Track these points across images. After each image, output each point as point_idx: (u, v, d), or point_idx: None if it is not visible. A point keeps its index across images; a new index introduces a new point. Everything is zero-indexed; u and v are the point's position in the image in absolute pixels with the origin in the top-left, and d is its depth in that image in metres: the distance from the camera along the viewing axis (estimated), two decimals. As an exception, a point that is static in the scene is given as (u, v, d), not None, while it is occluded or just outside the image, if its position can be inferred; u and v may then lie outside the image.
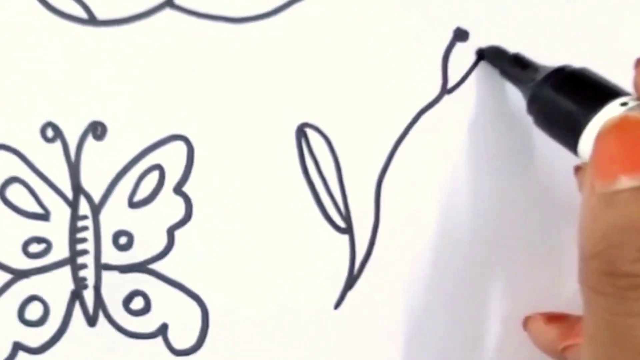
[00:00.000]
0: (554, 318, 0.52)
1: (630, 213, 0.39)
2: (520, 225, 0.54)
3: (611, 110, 0.43)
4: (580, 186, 0.49)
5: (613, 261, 0.39)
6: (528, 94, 0.49)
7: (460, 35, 0.54)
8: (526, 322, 0.53)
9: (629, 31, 0.55)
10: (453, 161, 0.54)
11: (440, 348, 0.54)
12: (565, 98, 0.46)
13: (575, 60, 0.49)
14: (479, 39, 0.54)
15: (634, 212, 0.39)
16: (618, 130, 0.41)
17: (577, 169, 0.50)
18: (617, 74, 0.46)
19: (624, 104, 0.43)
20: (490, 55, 0.53)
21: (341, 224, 0.53)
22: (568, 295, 0.54)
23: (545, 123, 0.48)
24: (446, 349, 0.54)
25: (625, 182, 0.39)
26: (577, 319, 0.50)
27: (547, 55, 0.51)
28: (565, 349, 0.50)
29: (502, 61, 0.52)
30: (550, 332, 0.52)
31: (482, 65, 0.54)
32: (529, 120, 0.50)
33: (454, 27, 0.54)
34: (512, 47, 0.53)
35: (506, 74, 0.52)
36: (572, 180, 0.51)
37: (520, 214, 0.55)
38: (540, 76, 0.48)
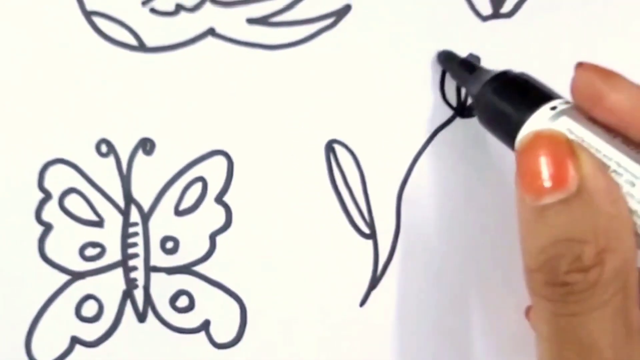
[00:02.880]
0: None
1: (559, 226, 0.37)
2: None
3: (542, 114, 0.41)
4: None
5: (552, 272, 0.37)
6: (473, 93, 0.46)
7: (473, 60, 0.51)
8: (528, 310, 0.50)
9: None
10: (466, 174, 0.52)
11: (456, 341, 0.52)
12: (503, 101, 0.43)
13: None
14: (489, 64, 0.50)
15: (562, 225, 0.37)
16: (534, 146, 0.39)
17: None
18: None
19: (553, 108, 0.41)
20: (442, 59, 0.50)
21: (366, 230, 0.51)
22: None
23: (487, 123, 0.45)
24: (461, 342, 0.52)
25: (549, 197, 0.37)
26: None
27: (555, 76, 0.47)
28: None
29: (452, 64, 0.49)
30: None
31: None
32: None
33: (467, 53, 0.51)
34: (517, 69, 0.48)
35: (456, 76, 0.49)
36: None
37: None
38: (484, 78, 0.45)
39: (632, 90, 0.40)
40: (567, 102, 0.41)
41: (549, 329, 0.39)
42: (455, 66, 0.49)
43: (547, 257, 0.37)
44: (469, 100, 0.51)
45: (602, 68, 0.41)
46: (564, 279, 0.37)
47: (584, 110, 0.40)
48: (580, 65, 0.41)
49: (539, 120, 0.41)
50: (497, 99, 0.44)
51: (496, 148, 0.49)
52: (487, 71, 0.46)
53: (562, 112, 0.40)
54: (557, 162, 0.37)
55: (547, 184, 0.37)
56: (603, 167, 0.38)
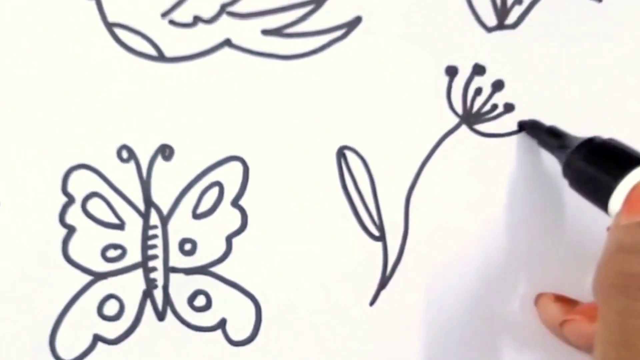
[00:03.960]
0: (561, 298, 0.49)
1: None
2: (532, 238, 0.51)
3: (635, 175, 0.41)
4: None
5: (630, 263, 0.37)
6: (563, 160, 0.46)
7: (478, 70, 0.51)
8: (537, 298, 0.50)
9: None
10: (471, 178, 0.51)
11: (461, 338, 0.50)
12: (595, 166, 0.44)
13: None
14: (494, 73, 0.51)
15: None
16: None
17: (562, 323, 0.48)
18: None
19: None
20: (529, 127, 0.51)
21: (375, 232, 0.50)
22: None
23: (578, 186, 0.45)
24: (468, 339, 0.51)
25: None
26: (580, 303, 0.48)
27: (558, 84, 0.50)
28: (563, 322, 0.47)
29: (539, 132, 0.50)
30: (555, 308, 0.49)
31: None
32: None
33: (472, 63, 0.51)
34: (522, 81, 0.51)
35: (543, 143, 0.49)
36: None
37: (528, 229, 0.52)
38: (572, 145, 0.46)
39: None
40: None
41: (614, 334, 0.38)
42: (543, 134, 0.49)
43: (625, 252, 0.38)
44: (475, 108, 0.51)
45: None
46: (638, 269, 0.37)
47: None
48: None
49: (633, 182, 0.41)
50: (589, 164, 0.44)
51: (499, 154, 0.51)
52: (574, 138, 0.47)
53: None
54: None
55: None
56: None
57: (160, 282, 0.48)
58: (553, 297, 0.49)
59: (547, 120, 0.50)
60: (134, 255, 0.48)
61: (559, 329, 0.48)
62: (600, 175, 0.43)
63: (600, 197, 0.43)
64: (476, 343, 0.50)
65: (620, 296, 0.37)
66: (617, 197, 0.41)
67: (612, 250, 0.38)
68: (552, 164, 0.50)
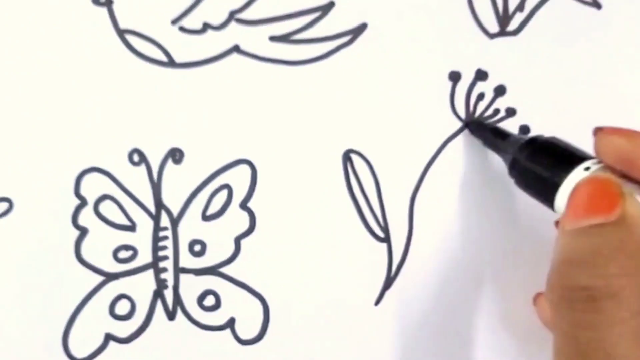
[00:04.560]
0: None
1: (591, 243, 0.37)
2: (534, 239, 0.51)
3: (577, 175, 0.41)
4: None
5: (576, 277, 0.36)
6: (508, 160, 0.46)
7: (481, 75, 0.51)
8: (536, 297, 0.49)
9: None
10: (474, 181, 0.51)
11: (464, 338, 0.50)
12: (539, 165, 0.44)
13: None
14: (496, 79, 0.51)
15: (594, 243, 0.37)
16: (585, 187, 0.39)
17: (557, 223, 0.46)
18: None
19: (587, 169, 0.41)
20: (473, 128, 0.50)
21: (380, 234, 0.50)
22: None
23: (524, 185, 0.45)
24: (470, 339, 0.50)
25: (584, 221, 0.37)
26: None
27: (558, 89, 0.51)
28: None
29: (484, 132, 0.49)
30: None
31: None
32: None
33: (475, 69, 0.51)
34: (523, 86, 0.52)
35: (489, 143, 0.49)
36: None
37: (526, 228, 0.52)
38: (516, 144, 0.46)
39: None
40: (598, 162, 0.41)
41: (567, 345, 0.37)
42: (487, 134, 0.49)
43: (572, 265, 0.37)
44: (477, 113, 0.51)
45: (624, 130, 0.41)
46: (585, 282, 0.36)
47: (616, 170, 0.40)
48: (600, 130, 0.41)
49: (575, 181, 0.41)
50: (532, 164, 0.44)
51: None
52: (518, 137, 0.46)
53: (596, 172, 0.41)
54: (605, 195, 0.37)
55: (588, 212, 0.38)
56: None
57: (170, 283, 0.48)
58: None
59: (548, 125, 0.49)
60: (144, 256, 0.48)
61: None
62: (544, 174, 0.43)
63: (546, 196, 0.42)
64: (479, 342, 0.50)
65: (569, 309, 0.37)
66: (562, 196, 0.41)
67: (558, 261, 0.38)
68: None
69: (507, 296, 0.50)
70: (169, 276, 0.48)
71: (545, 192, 0.42)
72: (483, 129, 0.49)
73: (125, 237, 0.48)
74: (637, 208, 0.37)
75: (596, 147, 0.41)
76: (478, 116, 0.51)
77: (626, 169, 0.40)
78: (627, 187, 0.38)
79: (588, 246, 0.37)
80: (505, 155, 0.47)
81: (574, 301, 0.36)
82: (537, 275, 0.48)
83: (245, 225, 0.49)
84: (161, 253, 0.48)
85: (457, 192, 0.50)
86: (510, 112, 0.51)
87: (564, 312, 0.37)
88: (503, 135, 0.48)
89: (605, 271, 0.35)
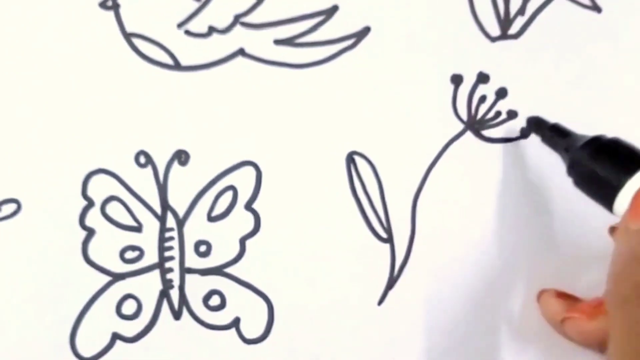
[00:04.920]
0: (563, 295, 0.48)
1: None
2: (536, 240, 0.51)
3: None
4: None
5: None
6: (568, 159, 0.45)
7: (483, 78, 0.51)
8: (539, 294, 0.49)
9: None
10: (475, 182, 0.51)
11: (465, 337, 0.50)
12: (601, 164, 0.43)
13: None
14: (498, 81, 0.51)
15: None
16: None
17: (612, 229, 0.46)
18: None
19: None
20: (533, 124, 0.50)
21: (383, 234, 0.50)
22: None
23: (583, 185, 0.44)
24: (470, 338, 0.50)
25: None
26: (581, 300, 0.47)
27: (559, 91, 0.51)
28: (564, 320, 0.46)
29: (543, 129, 0.48)
30: (556, 304, 0.48)
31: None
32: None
33: (477, 72, 0.51)
34: (524, 89, 0.51)
35: (547, 140, 0.48)
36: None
37: (525, 224, 0.51)
38: (577, 143, 0.45)
39: None
40: None
41: (627, 343, 0.37)
42: (547, 132, 0.48)
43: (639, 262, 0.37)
44: (479, 115, 0.51)
45: None
46: None
47: None
48: None
49: (638, 186, 0.40)
50: (596, 162, 0.43)
51: (503, 159, 0.51)
52: (578, 136, 0.45)
53: None
54: None
55: None
56: None
57: (176, 283, 0.48)
58: (555, 293, 0.48)
59: (549, 126, 0.50)
60: (151, 256, 0.48)
61: (560, 325, 0.47)
62: (606, 174, 0.42)
63: (606, 197, 0.42)
64: (480, 342, 0.50)
65: (631, 307, 0.36)
66: (623, 197, 0.41)
67: (625, 259, 0.38)
68: (554, 166, 0.49)
69: (509, 295, 0.50)
70: (174, 276, 0.48)
71: (605, 193, 0.42)
72: (542, 126, 0.49)
73: (132, 238, 0.48)
74: None
75: None
76: (480, 118, 0.51)
77: None
78: None
79: None
80: (564, 153, 0.46)
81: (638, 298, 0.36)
82: (539, 275, 0.50)
83: (250, 226, 0.49)
84: (167, 253, 0.48)
85: (459, 193, 0.50)
86: (512, 115, 0.51)
87: (632, 310, 0.37)
88: (563, 133, 0.47)
89: None
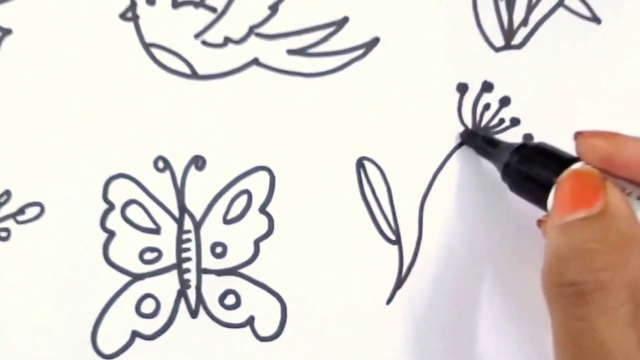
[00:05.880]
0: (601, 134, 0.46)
1: (577, 237, 0.37)
2: (536, 235, 0.50)
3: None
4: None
5: (564, 273, 0.37)
6: (500, 166, 0.46)
7: (487, 87, 0.51)
8: (539, 222, 0.48)
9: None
10: (480, 187, 0.51)
11: (472, 337, 0.50)
12: (531, 167, 0.43)
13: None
14: (502, 90, 0.51)
15: (580, 237, 0.37)
16: (570, 178, 0.40)
17: (539, 222, 0.47)
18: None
19: None
20: (466, 138, 0.50)
21: (392, 236, 0.50)
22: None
23: (517, 189, 0.45)
24: (477, 338, 0.50)
25: (569, 216, 0.38)
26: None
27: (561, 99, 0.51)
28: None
29: (476, 141, 0.49)
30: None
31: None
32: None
33: (482, 81, 0.51)
34: (527, 97, 0.51)
35: (481, 151, 0.49)
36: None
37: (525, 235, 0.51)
38: (507, 151, 0.45)
39: (637, 145, 0.40)
40: (585, 164, 0.41)
41: (563, 335, 0.37)
42: (479, 142, 0.49)
43: (560, 261, 0.37)
44: (483, 122, 0.51)
45: (603, 132, 0.41)
46: (573, 278, 0.36)
47: (601, 171, 0.40)
48: (580, 134, 0.42)
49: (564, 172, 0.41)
50: (524, 168, 0.44)
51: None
52: (509, 144, 0.46)
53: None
54: (588, 189, 0.38)
55: (574, 206, 0.38)
56: (626, 199, 0.38)
57: (193, 283, 0.48)
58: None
59: (551, 133, 0.49)
60: (169, 257, 0.48)
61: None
62: (537, 176, 0.43)
63: (540, 197, 0.42)
64: (486, 340, 0.50)
65: (560, 303, 0.37)
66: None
67: (549, 257, 0.38)
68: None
69: (512, 295, 0.50)
70: (192, 276, 0.48)
71: (538, 195, 0.42)
72: (475, 138, 0.49)
73: (151, 240, 0.48)
74: (620, 198, 0.38)
75: (578, 150, 0.42)
76: (484, 125, 0.51)
77: (609, 169, 0.40)
78: (611, 181, 0.39)
79: (574, 241, 0.37)
80: (497, 162, 0.47)
81: (564, 296, 0.36)
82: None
83: (264, 228, 0.49)
84: (184, 255, 0.48)
85: (464, 197, 0.50)
86: (515, 122, 0.51)
87: (557, 305, 0.37)
88: (494, 143, 0.48)
89: (591, 266, 0.36)
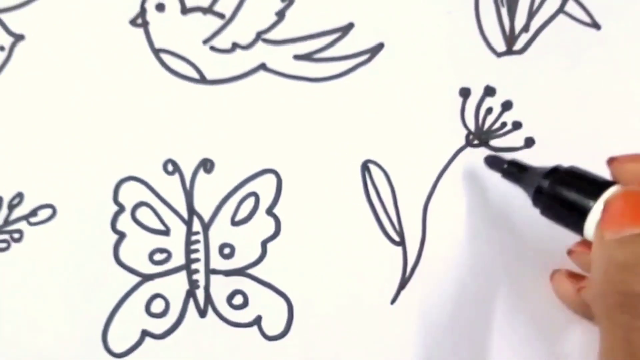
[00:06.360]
0: (573, 275, 0.48)
1: (635, 252, 0.37)
2: (540, 242, 0.51)
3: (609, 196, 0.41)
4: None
5: (629, 283, 0.37)
6: (531, 191, 0.45)
7: (489, 91, 0.51)
8: (552, 275, 0.49)
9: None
10: (483, 189, 0.51)
11: (475, 337, 0.50)
12: (567, 191, 0.42)
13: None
14: (504, 94, 0.51)
15: (638, 252, 0.37)
16: (623, 197, 0.40)
17: (570, 252, 0.47)
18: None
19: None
20: (490, 163, 0.49)
21: (396, 238, 0.50)
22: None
23: (552, 213, 0.44)
24: (480, 338, 0.50)
25: (627, 230, 0.38)
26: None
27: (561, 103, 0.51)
28: (580, 289, 0.46)
29: (501, 166, 0.48)
30: (569, 282, 0.48)
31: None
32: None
33: (484, 85, 0.51)
34: (529, 101, 0.51)
35: (507, 175, 0.47)
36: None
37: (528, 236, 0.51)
38: (537, 175, 0.44)
39: None
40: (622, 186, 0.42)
41: (622, 348, 0.37)
42: (507, 167, 0.48)
43: (626, 272, 0.37)
44: (486, 126, 0.51)
45: (636, 155, 0.42)
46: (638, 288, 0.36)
47: None
48: (614, 160, 0.42)
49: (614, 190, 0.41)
50: (559, 192, 0.43)
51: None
52: (538, 168, 0.45)
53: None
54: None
55: (631, 221, 0.38)
56: None
57: (202, 283, 0.48)
58: (566, 273, 0.48)
59: (552, 137, 0.51)
60: (178, 258, 0.48)
61: (574, 297, 0.47)
62: (574, 200, 0.42)
63: (576, 221, 0.42)
64: (488, 340, 0.50)
65: (623, 314, 0.37)
66: (593, 219, 0.41)
67: (608, 268, 0.38)
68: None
69: (515, 295, 0.50)
70: (200, 277, 0.48)
71: (573, 218, 0.42)
72: (501, 162, 0.48)
73: (160, 241, 0.48)
74: None
75: (614, 174, 0.42)
76: (487, 129, 0.51)
77: None
78: None
79: (636, 256, 0.37)
80: (527, 186, 0.46)
81: (628, 306, 0.36)
82: (544, 275, 0.49)
83: (271, 229, 0.49)
84: (193, 256, 0.48)
85: (467, 199, 0.50)
86: (517, 126, 0.51)
87: (618, 316, 0.37)
88: (521, 167, 0.47)
89: None
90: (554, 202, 0.43)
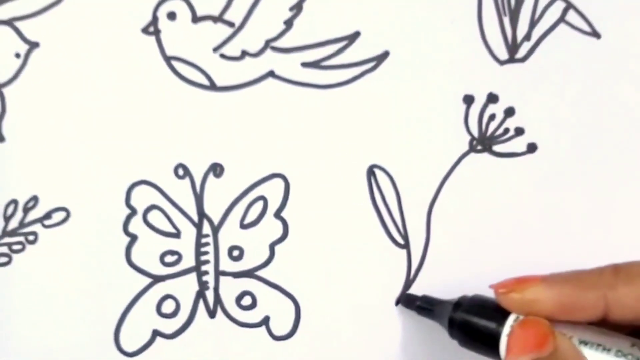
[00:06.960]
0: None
1: None
2: (541, 244, 0.52)
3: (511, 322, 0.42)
4: None
5: None
6: (445, 323, 0.45)
7: (492, 98, 0.51)
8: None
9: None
10: (485, 193, 0.51)
11: None
12: (477, 320, 0.44)
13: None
14: (506, 101, 0.51)
15: None
16: (518, 329, 0.41)
17: None
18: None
19: (517, 317, 0.42)
20: (404, 302, 0.50)
21: (400, 241, 0.50)
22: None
23: (469, 342, 0.44)
24: None
25: (523, 357, 0.40)
26: None
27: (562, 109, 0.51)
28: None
29: (414, 304, 0.49)
30: None
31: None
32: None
33: (487, 93, 0.51)
34: (531, 108, 0.52)
35: (421, 311, 0.48)
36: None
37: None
38: (447, 308, 0.45)
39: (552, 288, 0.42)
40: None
41: None
42: (419, 305, 0.48)
43: None
44: (489, 132, 0.51)
45: (513, 282, 0.43)
46: None
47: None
48: (496, 292, 0.43)
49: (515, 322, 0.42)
50: (472, 319, 0.44)
51: (510, 172, 0.51)
52: (446, 302, 0.46)
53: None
54: (540, 333, 0.40)
55: (522, 350, 0.40)
56: (572, 342, 0.40)
57: (211, 284, 0.49)
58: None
59: (553, 141, 0.51)
60: (188, 260, 0.49)
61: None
62: (484, 327, 0.43)
63: (492, 348, 0.42)
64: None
65: None
66: (504, 342, 0.42)
67: None
68: (559, 175, 0.51)
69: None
70: (210, 278, 0.49)
71: (490, 346, 0.43)
72: (413, 301, 0.49)
73: (171, 243, 0.49)
74: (567, 343, 0.40)
75: (503, 305, 0.43)
76: (490, 135, 0.51)
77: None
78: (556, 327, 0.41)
79: None
80: (440, 320, 0.46)
81: None
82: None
83: (279, 232, 0.49)
84: (203, 258, 0.49)
85: (470, 203, 0.51)
86: (519, 131, 0.51)
87: None
88: (432, 302, 0.48)
89: None
90: (467, 332, 0.44)
